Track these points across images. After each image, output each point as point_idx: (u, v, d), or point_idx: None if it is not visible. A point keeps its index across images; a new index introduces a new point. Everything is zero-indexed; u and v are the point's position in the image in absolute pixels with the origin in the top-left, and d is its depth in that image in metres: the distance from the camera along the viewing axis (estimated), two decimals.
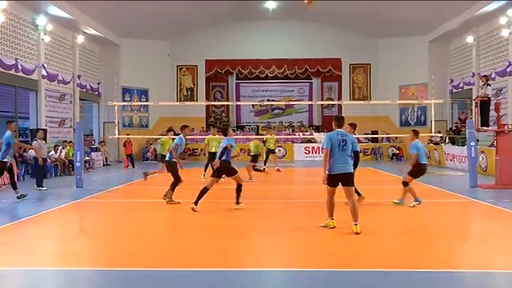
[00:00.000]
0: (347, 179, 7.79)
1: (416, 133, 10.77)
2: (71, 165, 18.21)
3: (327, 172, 7.81)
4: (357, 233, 7.42)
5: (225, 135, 10.81)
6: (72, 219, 9.88)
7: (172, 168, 10.87)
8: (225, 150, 10.04)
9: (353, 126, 10.23)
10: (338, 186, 7.88)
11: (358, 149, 8.36)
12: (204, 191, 9.75)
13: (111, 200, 12.02)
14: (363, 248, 6.82)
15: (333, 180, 7.82)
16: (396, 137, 26.07)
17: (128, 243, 7.31)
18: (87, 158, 20.56)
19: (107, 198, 12.31)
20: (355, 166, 8.39)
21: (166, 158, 10.99)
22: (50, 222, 9.25)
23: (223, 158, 10.02)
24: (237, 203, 10.03)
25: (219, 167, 9.99)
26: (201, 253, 6.59)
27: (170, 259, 6.32)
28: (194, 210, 9.52)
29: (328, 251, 6.72)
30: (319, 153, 25.86)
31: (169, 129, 15.26)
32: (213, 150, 14.84)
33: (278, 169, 18.66)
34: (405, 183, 10.30)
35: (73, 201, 11.65)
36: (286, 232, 7.87)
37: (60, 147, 19.15)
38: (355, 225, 7.51)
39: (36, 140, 14.48)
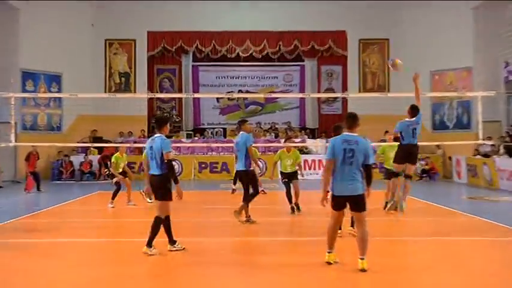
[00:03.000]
0: (356, 203, 8.28)
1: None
2: None
3: (331, 192, 8.31)
4: (363, 270, 8.03)
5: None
6: None
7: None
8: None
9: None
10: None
11: (372, 162, 8.29)
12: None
13: (5, 240, 11.65)
14: None
15: (337, 202, 8.36)
16: (427, 146, 26.17)
17: None
18: None
19: None
20: (368, 183, 8.59)
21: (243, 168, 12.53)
22: None
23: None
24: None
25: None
26: None
27: None
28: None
29: None
30: (315, 168, 25.76)
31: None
32: (288, 170, 15.18)
33: (262, 190, 18.48)
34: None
35: None
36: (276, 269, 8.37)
37: None
38: (361, 259, 8.11)
39: None
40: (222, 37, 29.76)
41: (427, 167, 26.64)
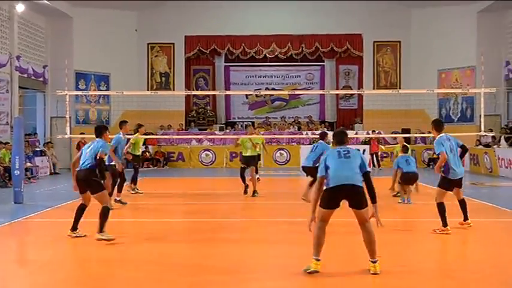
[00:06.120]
0: (355, 195, 6.99)
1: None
2: (7, 174, 18.10)
3: (324, 187, 7.11)
4: (376, 274, 6.91)
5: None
6: (8, 246, 9.81)
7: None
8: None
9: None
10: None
11: (368, 170, 7.56)
12: None
13: (60, 219, 11.87)
14: None
15: (332, 197, 7.06)
16: (434, 138, 26.06)
17: (82, 273, 7.41)
18: (28, 164, 20.44)
19: (54, 217, 12.24)
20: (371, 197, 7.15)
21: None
22: None
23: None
24: None
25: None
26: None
27: None
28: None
29: None
30: None
31: (140, 126, 16.17)
32: (248, 153, 15.42)
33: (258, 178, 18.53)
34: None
35: (10, 221, 11.57)
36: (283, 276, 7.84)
37: None
38: (373, 262, 6.97)
39: None
40: (251, 40, 29.82)
41: (435, 156, 26.52)
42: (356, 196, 6.94)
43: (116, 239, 8.94)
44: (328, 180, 7.04)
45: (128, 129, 14.39)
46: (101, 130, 9.98)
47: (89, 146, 9.54)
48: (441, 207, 9.71)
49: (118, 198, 13.37)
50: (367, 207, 7.02)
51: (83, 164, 9.29)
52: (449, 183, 9.81)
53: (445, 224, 9.65)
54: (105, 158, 10.07)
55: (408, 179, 13.53)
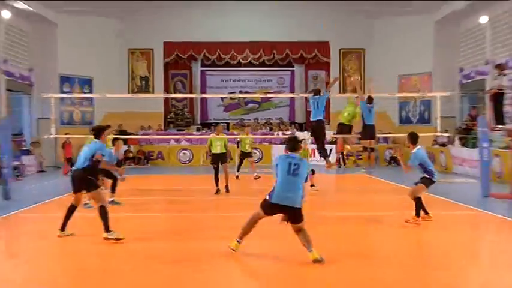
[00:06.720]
0: (293, 215, 7.39)
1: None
2: None
3: (266, 197, 7.55)
4: (317, 260, 7.15)
5: None
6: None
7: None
8: None
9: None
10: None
11: (307, 181, 8.02)
12: None
13: (47, 214, 11.97)
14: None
15: (271, 210, 7.50)
16: (395, 137, 26.45)
17: (68, 266, 7.42)
18: (16, 163, 20.26)
19: (42, 212, 12.28)
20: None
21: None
22: None
23: None
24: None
25: None
26: (160, 283, 6.70)
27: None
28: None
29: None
30: None
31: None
32: (218, 151, 15.23)
33: (257, 175, 18.76)
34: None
35: (1, 215, 11.60)
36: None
37: None
38: (310, 251, 7.23)
39: None
40: (226, 47, 29.79)
41: (395, 155, 26.87)
42: (294, 216, 7.35)
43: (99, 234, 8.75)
44: (272, 193, 7.43)
45: (118, 147, 13.61)
46: (99, 131, 9.58)
47: (87, 146, 9.34)
48: (420, 201, 10.17)
49: (111, 199, 12.56)
50: (303, 221, 7.39)
51: (79, 163, 9.10)
52: (431, 183, 10.31)
53: (426, 212, 10.19)
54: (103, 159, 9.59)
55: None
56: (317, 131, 13.76)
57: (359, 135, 14.87)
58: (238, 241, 7.70)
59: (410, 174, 11.01)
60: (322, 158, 14.47)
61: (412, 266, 7.55)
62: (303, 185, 7.58)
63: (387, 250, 8.59)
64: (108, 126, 12.63)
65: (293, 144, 7.75)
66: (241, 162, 19.25)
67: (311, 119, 13.86)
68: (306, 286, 6.59)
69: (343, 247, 8.50)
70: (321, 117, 13.64)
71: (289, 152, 7.69)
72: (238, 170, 18.91)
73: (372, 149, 15.44)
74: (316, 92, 13.79)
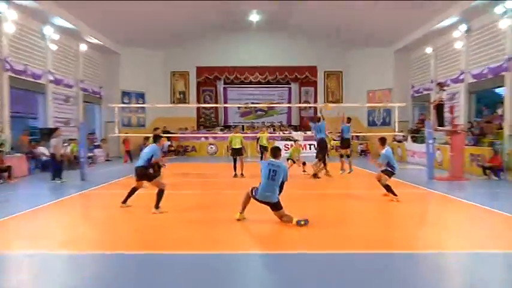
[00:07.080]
0: (272, 206, 7.44)
1: (384, 142, 10.30)
2: (76, 161, 18.12)
3: (254, 188, 7.61)
4: (299, 223, 7.09)
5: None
6: (79, 208, 9.96)
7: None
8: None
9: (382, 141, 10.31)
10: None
11: (286, 180, 7.62)
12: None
13: (113, 190, 12.05)
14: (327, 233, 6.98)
15: (256, 199, 7.57)
16: (364, 136, 26.38)
17: (128, 227, 7.49)
18: (90, 154, 20.43)
19: (108, 190, 12.36)
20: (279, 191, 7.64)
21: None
22: (61, 210, 9.36)
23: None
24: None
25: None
26: (193, 237, 6.76)
27: (168, 242, 6.45)
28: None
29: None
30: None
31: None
32: (237, 146, 15.23)
33: None
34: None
35: (79, 192, 11.74)
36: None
37: (66, 144, 19.03)
38: (293, 219, 7.24)
39: (55, 138, 14.33)
40: (241, 70, 29.73)
41: (365, 149, 26.83)
42: (274, 206, 7.42)
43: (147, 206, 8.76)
44: (257, 191, 7.50)
45: (162, 143, 12.94)
46: (157, 138, 9.26)
47: (149, 148, 9.02)
48: (389, 186, 9.99)
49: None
50: (282, 209, 7.41)
51: (141, 161, 8.82)
52: (392, 175, 10.20)
53: (395, 194, 9.89)
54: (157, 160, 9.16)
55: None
56: (321, 145, 14.52)
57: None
58: (240, 212, 7.69)
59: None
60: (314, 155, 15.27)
61: (376, 227, 7.55)
62: (280, 186, 7.50)
63: (359, 217, 8.58)
64: (157, 129, 12.77)
65: (275, 153, 7.71)
66: (261, 154, 17.99)
67: (315, 138, 14.72)
68: (293, 240, 6.60)
69: (325, 214, 8.50)
70: (323, 136, 14.41)
71: (271, 159, 7.65)
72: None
73: (348, 156, 15.39)
74: (318, 120, 14.67)
